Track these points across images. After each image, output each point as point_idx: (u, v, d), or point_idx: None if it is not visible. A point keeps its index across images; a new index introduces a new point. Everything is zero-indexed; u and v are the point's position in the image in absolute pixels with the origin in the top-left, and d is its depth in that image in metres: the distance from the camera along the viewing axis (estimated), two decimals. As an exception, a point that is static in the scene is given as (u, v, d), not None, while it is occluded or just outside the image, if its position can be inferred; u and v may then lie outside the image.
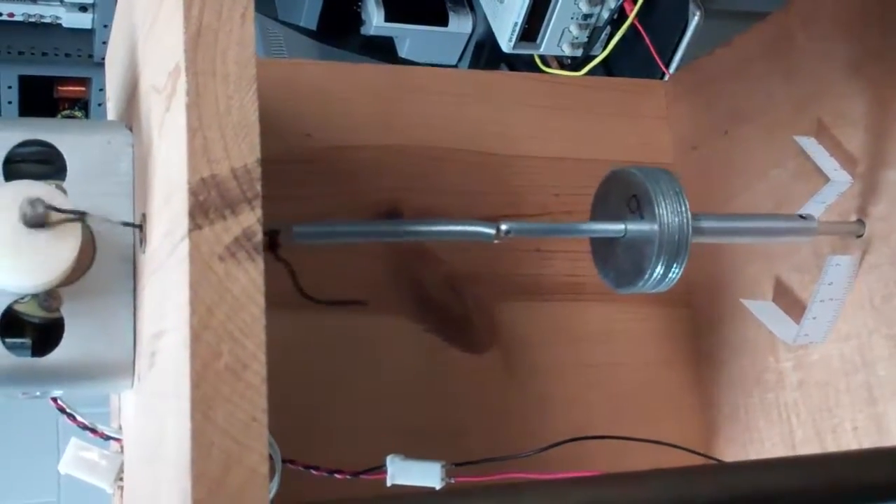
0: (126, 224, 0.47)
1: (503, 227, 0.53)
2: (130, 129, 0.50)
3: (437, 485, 0.57)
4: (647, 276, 0.53)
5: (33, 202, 0.42)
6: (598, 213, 0.58)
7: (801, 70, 0.66)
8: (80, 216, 0.43)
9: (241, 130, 0.38)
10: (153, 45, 0.45)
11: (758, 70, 0.70)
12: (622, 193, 0.56)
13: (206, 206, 0.37)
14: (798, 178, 0.66)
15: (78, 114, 1.51)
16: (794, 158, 0.66)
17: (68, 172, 0.48)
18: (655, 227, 0.53)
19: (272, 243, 0.50)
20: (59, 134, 0.49)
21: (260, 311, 0.37)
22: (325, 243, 0.54)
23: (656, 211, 0.53)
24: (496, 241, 0.53)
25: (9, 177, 0.47)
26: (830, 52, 0.63)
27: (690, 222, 0.53)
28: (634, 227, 0.55)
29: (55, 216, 0.42)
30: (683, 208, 0.53)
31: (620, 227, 0.55)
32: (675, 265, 0.53)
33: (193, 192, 0.37)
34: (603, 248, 0.58)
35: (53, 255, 0.43)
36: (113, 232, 0.47)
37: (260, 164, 0.38)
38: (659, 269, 0.53)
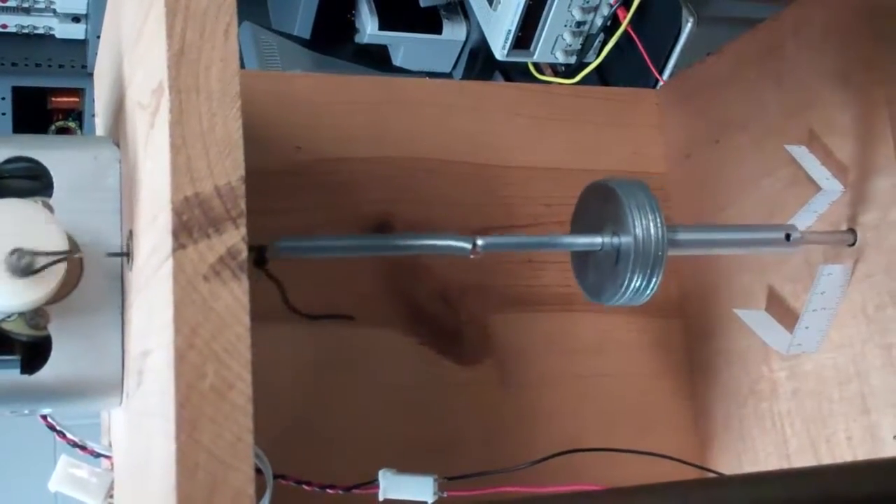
0: (112, 255, 0.46)
1: (479, 241, 0.53)
2: (118, 145, 0.49)
3: (430, 499, 0.57)
4: (623, 288, 0.54)
5: (16, 253, 0.42)
6: (578, 225, 0.59)
7: (792, 78, 0.66)
8: (65, 256, 0.43)
9: (225, 148, 0.38)
10: (138, 61, 0.45)
11: (749, 78, 0.70)
12: (599, 206, 0.56)
13: (189, 225, 0.37)
14: (790, 187, 0.65)
15: (72, 124, 1.50)
16: (785, 167, 0.65)
17: (55, 189, 0.48)
18: (630, 239, 0.53)
19: (260, 259, 0.50)
20: (45, 150, 0.48)
21: (245, 330, 0.36)
22: (310, 257, 0.54)
23: (631, 224, 0.53)
24: (472, 257, 0.53)
25: (-5, 193, 0.47)
26: (821, 60, 0.63)
27: (665, 235, 0.53)
28: (610, 240, 0.55)
29: (42, 261, 0.42)
30: (658, 221, 0.53)
31: (597, 240, 0.55)
32: (651, 277, 0.53)
33: (177, 212, 0.37)
34: (582, 261, 0.58)
35: (37, 279, 0.43)
36: (99, 249, 0.47)
37: (244, 182, 0.37)
38: (635, 282, 0.53)
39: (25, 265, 0.42)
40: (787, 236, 0.59)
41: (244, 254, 0.37)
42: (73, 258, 0.45)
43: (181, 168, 0.37)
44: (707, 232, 0.60)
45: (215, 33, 0.38)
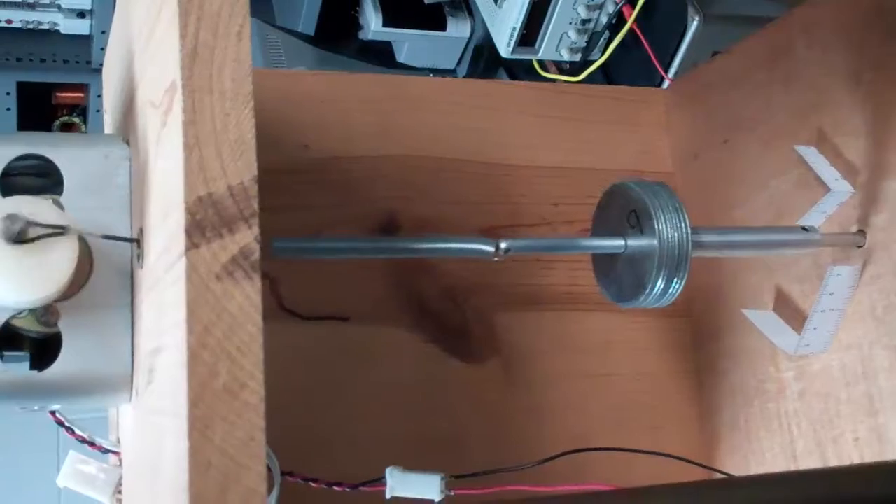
0: (110, 237, 0.46)
1: (503, 244, 0.53)
2: (128, 143, 0.49)
3: (437, 497, 0.57)
4: (647, 291, 0.53)
5: (10, 218, 0.42)
6: (599, 227, 0.58)
7: (801, 79, 0.66)
8: (61, 230, 0.43)
9: (238, 148, 0.38)
10: (149, 59, 0.45)
11: (758, 78, 0.70)
12: (622, 208, 0.56)
13: (202, 224, 0.37)
14: (799, 188, 0.65)
15: (76, 120, 1.50)
16: (794, 168, 0.65)
17: (65, 186, 0.48)
18: (655, 242, 0.53)
19: None
20: (56, 148, 0.48)
21: (257, 329, 0.36)
22: (308, 258, 0.54)
23: (656, 226, 0.53)
24: (496, 259, 0.53)
25: (6, 191, 0.47)
26: (831, 60, 0.63)
27: (690, 237, 0.53)
28: (634, 242, 0.54)
29: (36, 231, 0.42)
30: (683, 223, 0.53)
31: (620, 242, 0.55)
32: (675, 280, 0.53)
33: (190, 211, 0.36)
34: (603, 263, 0.58)
35: (48, 270, 0.43)
36: (110, 246, 0.47)
37: (257, 182, 0.37)
38: (659, 284, 0.53)
39: (19, 232, 0.41)
40: (804, 228, 0.59)
41: (257, 254, 0.37)
42: (83, 257, 0.45)
43: (194, 168, 0.37)
44: (730, 234, 0.59)
45: (229, 33, 0.38)
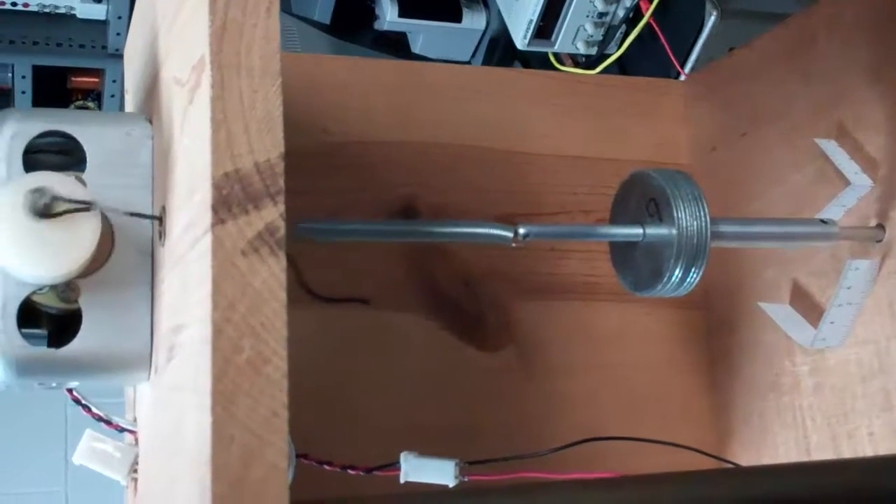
0: (134, 214, 0.46)
1: (521, 230, 0.53)
2: (150, 121, 0.49)
3: (451, 483, 0.57)
4: (665, 280, 0.53)
5: (37, 191, 0.42)
6: (617, 215, 0.58)
7: (822, 73, 0.66)
8: (86, 205, 0.43)
9: (265, 125, 0.38)
10: (176, 37, 0.45)
11: (778, 72, 0.70)
12: (641, 196, 0.56)
13: (229, 200, 0.37)
14: (818, 182, 0.65)
15: (91, 105, 1.51)
16: (813, 161, 0.65)
17: (88, 164, 0.48)
18: (674, 231, 0.53)
19: None
20: (78, 125, 0.48)
21: (281, 306, 0.37)
22: (331, 241, 0.54)
23: (675, 215, 0.53)
24: (514, 245, 0.53)
25: (28, 167, 0.47)
26: (852, 55, 0.63)
27: (709, 227, 0.53)
28: (653, 230, 0.54)
29: (61, 205, 0.42)
30: (702, 212, 0.53)
31: (639, 230, 0.55)
32: (693, 269, 0.53)
33: (217, 187, 0.37)
34: (621, 252, 0.58)
35: (71, 245, 0.43)
36: (132, 224, 0.47)
37: (283, 159, 0.38)
38: (677, 274, 0.53)
39: (45, 206, 0.42)
40: (823, 221, 0.59)
41: (282, 230, 0.37)
42: (105, 235, 0.45)
43: (221, 143, 0.37)
44: (749, 225, 0.59)
45: (258, 10, 0.38)
